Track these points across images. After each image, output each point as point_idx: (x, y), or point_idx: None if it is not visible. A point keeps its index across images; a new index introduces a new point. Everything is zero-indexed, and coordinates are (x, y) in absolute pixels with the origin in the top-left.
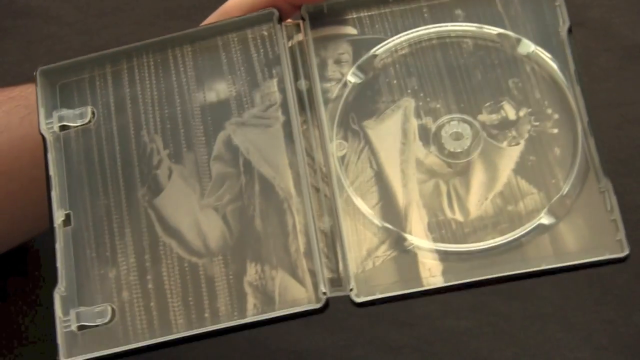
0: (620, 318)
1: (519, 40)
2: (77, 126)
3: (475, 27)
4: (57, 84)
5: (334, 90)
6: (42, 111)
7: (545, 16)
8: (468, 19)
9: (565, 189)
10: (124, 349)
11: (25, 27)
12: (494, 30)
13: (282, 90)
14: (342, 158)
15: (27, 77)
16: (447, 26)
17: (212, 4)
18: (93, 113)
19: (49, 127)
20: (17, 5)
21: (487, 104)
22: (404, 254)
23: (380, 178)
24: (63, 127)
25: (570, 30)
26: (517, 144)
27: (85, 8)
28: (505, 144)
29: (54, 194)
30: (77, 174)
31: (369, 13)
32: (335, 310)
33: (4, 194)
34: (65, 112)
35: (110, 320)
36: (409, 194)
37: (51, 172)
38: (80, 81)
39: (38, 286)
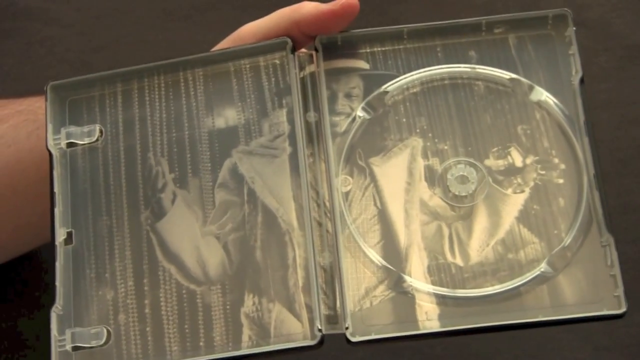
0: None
1: (531, 87)
2: (84, 144)
3: (488, 70)
4: (67, 99)
5: (343, 124)
6: (50, 127)
7: (559, 64)
8: (481, 61)
9: (567, 241)
10: None
11: (25, 29)
12: (506, 74)
13: (291, 121)
14: (347, 194)
15: (28, 78)
16: (459, 67)
17: (211, 6)
18: (101, 131)
19: (56, 143)
20: (17, 7)
21: (495, 148)
22: (402, 295)
23: (383, 216)
24: (70, 144)
25: (582, 81)
26: (522, 191)
27: (84, 10)
28: (510, 190)
29: (57, 211)
30: (81, 192)
31: (383, 48)
32: None
33: (9, 207)
34: (73, 129)
35: (105, 343)
36: (411, 234)
37: (56, 188)
38: (90, 98)
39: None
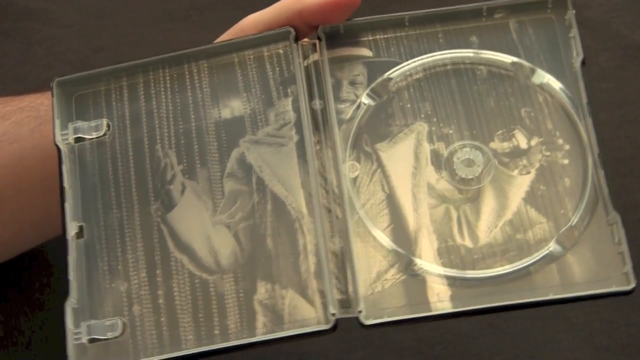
0: (620, 318)
1: (532, 70)
2: (92, 138)
3: (490, 54)
4: (73, 95)
5: (348, 111)
6: (57, 122)
7: (560, 47)
8: (483, 46)
9: (574, 220)
10: None
11: (25, 29)
12: (508, 58)
13: (297, 109)
14: (354, 180)
15: (28, 78)
16: (461, 52)
17: (211, 6)
18: (108, 126)
19: (64, 138)
20: (17, 7)
21: (499, 131)
22: (413, 278)
23: (392, 201)
24: (78, 139)
25: (583, 63)
26: (528, 173)
27: (84, 10)
28: (516, 172)
29: (68, 206)
30: (90, 186)
31: (385, 36)
32: None
33: (13, 206)
34: (80, 123)
35: (121, 334)
36: (420, 218)
37: (65, 183)
38: (96, 93)
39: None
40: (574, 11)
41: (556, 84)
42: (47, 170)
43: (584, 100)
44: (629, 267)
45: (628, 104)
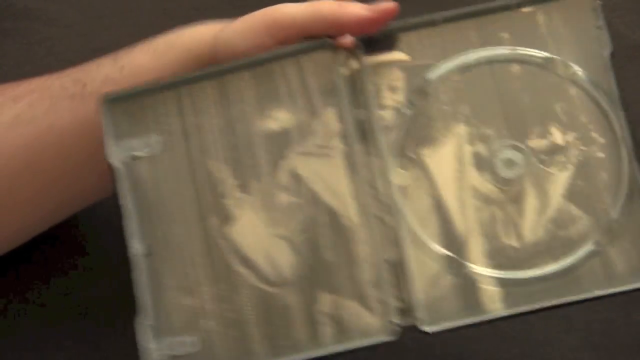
0: (620, 318)
1: (563, 64)
2: (144, 155)
3: (522, 50)
4: (120, 111)
5: (389, 118)
6: (109, 140)
7: (587, 39)
8: (514, 42)
9: (614, 213)
10: None
11: (25, 29)
12: (539, 53)
13: (341, 119)
14: (402, 187)
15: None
16: (495, 50)
17: (211, 6)
18: (159, 141)
19: (117, 156)
20: (16, 8)
21: (536, 128)
22: (465, 282)
23: (439, 206)
24: (130, 156)
25: (612, 55)
26: (566, 169)
27: (84, 10)
28: (554, 169)
29: (129, 224)
30: (147, 203)
31: (419, 38)
32: None
33: (30, 187)
34: (131, 140)
35: (195, 349)
36: (467, 221)
37: (124, 202)
38: (143, 108)
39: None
40: (600, 1)
41: (586, 77)
42: (63, 150)
43: (615, 93)
44: None
45: (628, 103)
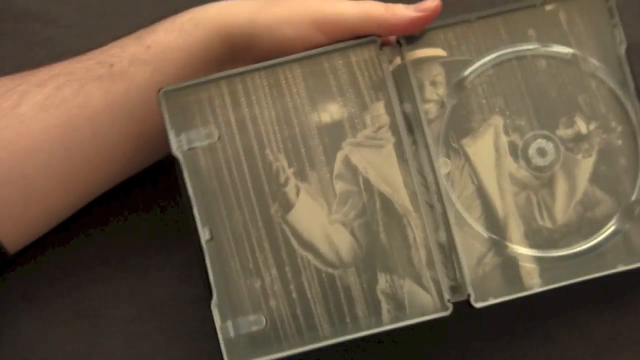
0: (621, 318)
1: (584, 59)
2: (204, 145)
3: (548, 47)
4: (179, 104)
5: (433, 111)
6: (171, 132)
7: (604, 35)
8: (539, 38)
9: (633, 195)
10: (282, 355)
11: (25, 30)
12: (563, 49)
13: (390, 112)
14: (448, 175)
15: None
16: (524, 47)
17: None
18: (216, 132)
19: (180, 147)
20: (16, 9)
21: (563, 119)
22: (507, 260)
23: (481, 192)
24: (191, 147)
25: (627, 50)
26: (590, 155)
27: (84, 10)
28: (580, 156)
29: (196, 212)
30: (210, 191)
31: (455, 36)
32: None
33: (65, 167)
34: (192, 132)
35: (264, 327)
36: (506, 205)
37: (190, 191)
38: (200, 101)
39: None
40: (614, 1)
41: (604, 71)
42: (96, 129)
43: (631, 85)
44: None
45: None
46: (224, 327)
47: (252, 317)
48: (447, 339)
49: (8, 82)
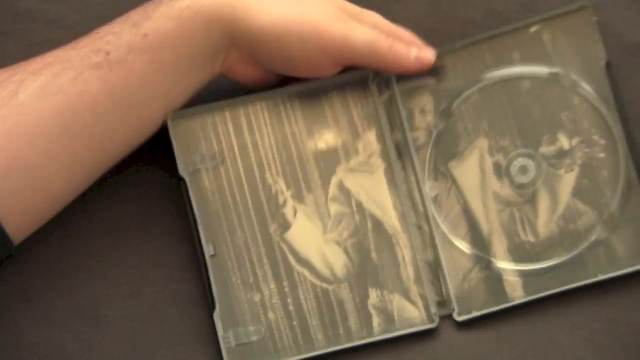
0: (621, 317)
1: (566, 76)
2: (209, 168)
3: (530, 68)
4: (186, 129)
5: (422, 137)
6: (179, 155)
7: (586, 52)
8: (523, 60)
9: (613, 206)
10: None
11: (25, 31)
12: (545, 69)
13: (380, 140)
14: (435, 197)
15: None
16: (507, 70)
17: None
18: (219, 155)
19: (186, 168)
20: (17, 9)
21: (545, 136)
22: (491, 275)
23: (466, 211)
24: (196, 169)
25: (608, 64)
26: (572, 170)
27: (85, 11)
28: (562, 171)
29: (201, 230)
30: (214, 211)
31: (442, 64)
32: None
33: (68, 153)
34: (197, 155)
35: (263, 338)
36: (490, 223)
37: (196, 211)
38: (204, 127)
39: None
40: (595, 18)
41: (587, 86)
42: (97, 115)
43: (611, 99)
44: None
45: (627, 102)
46: (225, 337)
47: (251, 328)
48: (447, 342)
49: (2, 73)
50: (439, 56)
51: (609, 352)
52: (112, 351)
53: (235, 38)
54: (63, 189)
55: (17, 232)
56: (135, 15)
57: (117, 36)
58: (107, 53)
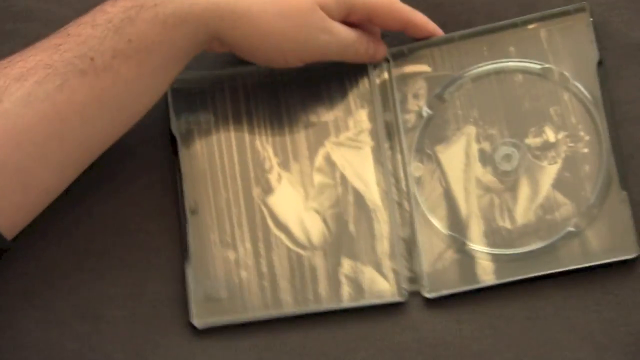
0: (621, 318)
1: (559, 73)
2: (201, 129)
3: (524, 62)
4: (183, 90)
5: (412, 120)
6: (172, 114)
7: (581, 50)
8: (519, 54)
9: (592, 200)
10: (245, 319)
11: (25, 31)
12: (539, 64)
13: (371, 119)
14: (419, 178)
15: None
16: (501, 63)
17: None
18: (213, 119)
19: (178, 127)
20: (17, 9)
21: (533, 128)
22: (465, 257)
23: (448, 194)
24: (189, 129)
25: (600, 63)
26: (556, 162)
27: (85, 11)
28: (545, 163)
29: (185, 187)
30: (201, 169)
31: (440, 53)
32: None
33: (59, 155)
34: (191, 115)
35: (232, 294)
36: (470, 207)
37: (182, 169)
38: (202, 91)
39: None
40: (591, 19)
41: (578, 84)
42: (86, 120)
43: (599, 98)
44: (633, 238)
45: (627, 102)
46: (196, 290)
47: (223, 284)
48: (447, 341)
49: None
50: (437, 45)
51: (608, 352)
52: (112, 351)
53: (220, 39)
54: (56, 185)
55: (11, 227)
56: (115, 18)
57: (100, 41)
58: (92, 59)
